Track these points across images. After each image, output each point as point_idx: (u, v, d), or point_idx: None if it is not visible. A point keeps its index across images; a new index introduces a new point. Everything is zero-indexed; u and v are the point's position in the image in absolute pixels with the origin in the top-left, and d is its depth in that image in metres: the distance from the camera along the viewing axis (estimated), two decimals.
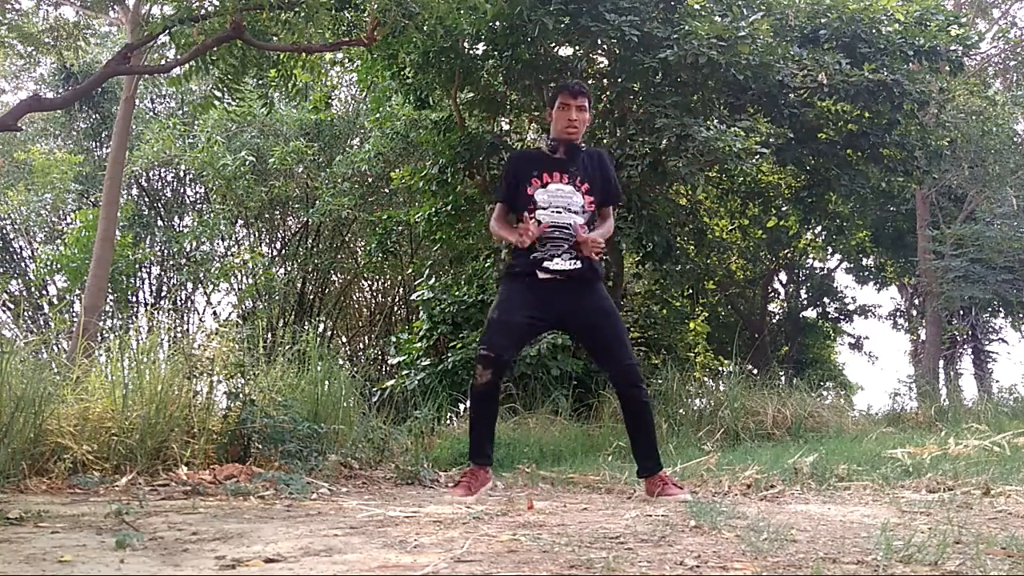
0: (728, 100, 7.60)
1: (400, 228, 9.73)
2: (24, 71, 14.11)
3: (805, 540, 1.94)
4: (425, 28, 5.46)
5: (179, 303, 13.43)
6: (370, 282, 14.14)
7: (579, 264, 3.08)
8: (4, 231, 13.58)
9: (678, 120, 6.66)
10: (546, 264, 3.07)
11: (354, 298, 14.38)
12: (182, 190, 14.41)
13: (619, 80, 7.46)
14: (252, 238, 13.93)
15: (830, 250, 15.54)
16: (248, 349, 4.33)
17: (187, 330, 11.04)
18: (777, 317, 16.49)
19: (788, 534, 1.97)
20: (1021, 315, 14.15)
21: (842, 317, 16.78)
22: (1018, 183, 12.03)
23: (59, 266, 11.00)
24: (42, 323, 12.55)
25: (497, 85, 7.77)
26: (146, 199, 14.10)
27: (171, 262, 13.31)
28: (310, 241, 12.93)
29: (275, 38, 4.97)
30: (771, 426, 6.10)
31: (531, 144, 8.58)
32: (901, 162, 8.15)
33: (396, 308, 13.58)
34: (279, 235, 13.95)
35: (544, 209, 3.10)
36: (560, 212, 3.10)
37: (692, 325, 12.72)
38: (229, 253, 13.40)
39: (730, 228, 12.22)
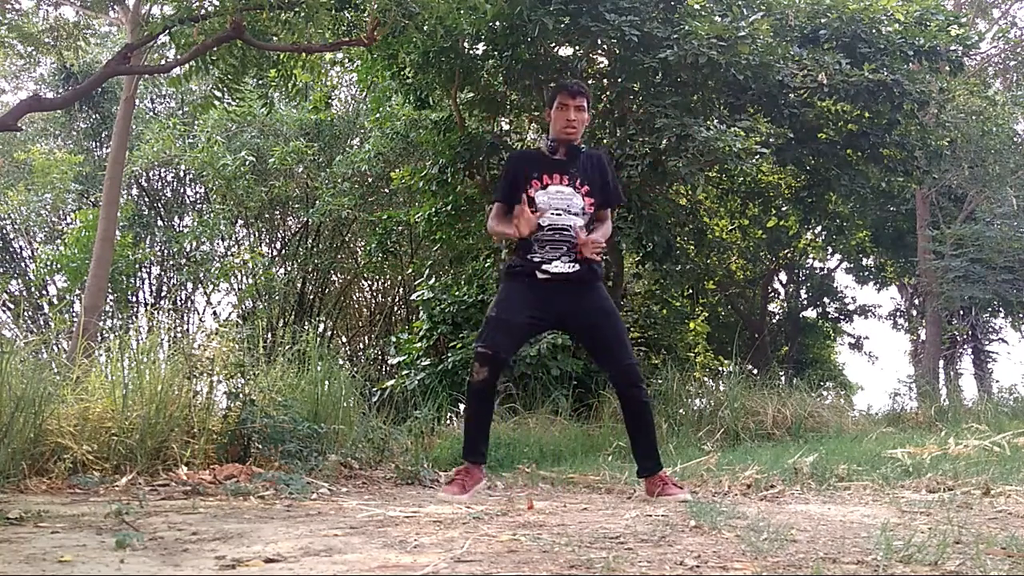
0: (728, 100, 7.60)
1: (400, 228, 9.73)
2: (24, 71, 14.11)
3: (805, 540, 1.94)
4: (425, 28, 5.46)
5: (179, 303, 13.43)
6: (370, 282, 14.14)
7: (578, 266, 3.08)
8: (4, 231, 13.59)
9: (678, 120, 6.66)
10: (545, 267, 3.07)
11: (354, 298, 14.38)
12: (182, 190, 14.41)
13: (619, 80, 7.46)
14: (252, 238, 13.93)
15: (830, 250, 15.54)
16: (248, 349, 4.32)
17: (187, 330, 11.04)
18: (777, 317, 16.49)
19: (788, 534, 1.97)
20: (1021, 315, 14.15)
21: (842, 317, 16.78)
22: (1018, 183, 12.03)
23: (59, 266, 11.00)
24: (42, 323, 12.55)
25: (497, 85, 7.77)
26: (146, 199, 14.10)
27: (171, 262, 13.31)
28: (310, 241, 12.93)
29: (275, 38, 4.97)
30: (771, 426, 6.10)
31: (531, 144, 8.58)
32: (901, 162, 8.15)
33: (396, 308, 13.58)
34: (279, 235, 13.95)
35: (544, 211, 3.10)
36: (560, 214, 3.10)
37: (692, 325, 12.72)
38: (229, 253, 13.40)
39: (730, 228, 12.22)
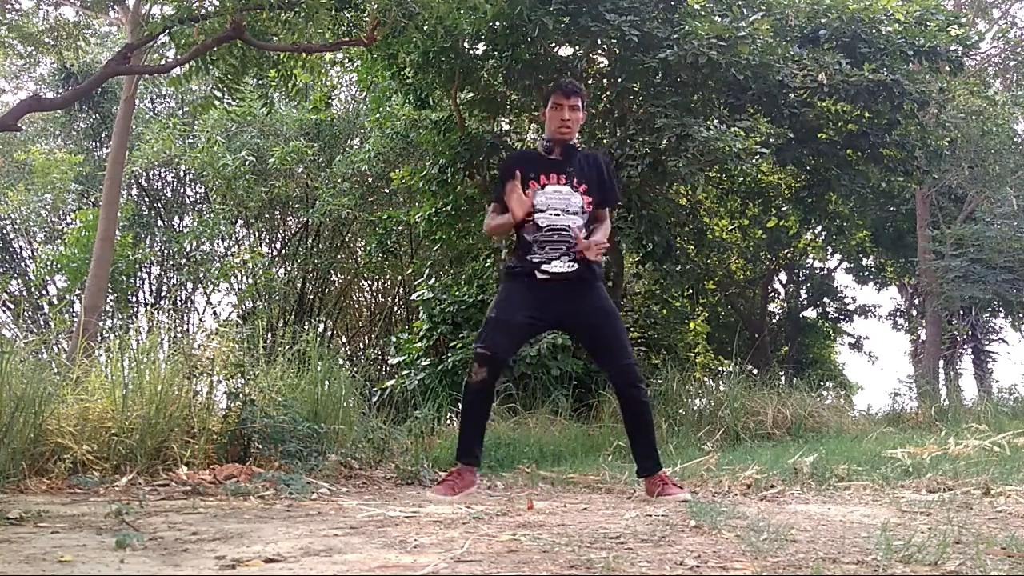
0: (728, 100, 7.60)
1: (400, 228, 9.73)
2: (24, 71, 14.11)
3: (805, 540, 1.94)
4: (425, 28, 5.46)
5: (179, 303, 13.43)
6: (370, 282, 14.13)
7: (577, 266, 3.07)
8: (4, 231, 13.58)
9: (678, 120, 6.66)
10: (544, 267, 3.06)
11: (354, 298, 14.38)
12: (182, 190, 14.41)
13: (619, 80, 7.46)
14: (252, 238, 13.93)
15: (830, 250, 15.54)
16: (248, 349, 4.32)
17: (187, 330, 11.04)
18: (777, 317, 16.49)
19: (788, 534, 1.97)
20: (1021, 315, 14.15)
21: (842, 317, 16.78)
22: (1018, 183, 12.03)
23: (59, 266, 11.00)
24: (42, 323, 12.54)
25: (497, 85, 7.77)
26: (146, 199, 14.10)
27: (171, 262, 13.31)
28: (310, 241, 12.93)
29: (275, 38, 4.96)
30: (771, 426, 6.10)
31: (531, 144, 8.58)
32: (901, 162, 8.15)
33: (396, 308, 13.58)
34: (279, 235, 13.95)
35: (542, 212, 3.10)
36: (558, 214, 3.09)
37: (692, 325, 12.71)
38: (229, 253, 13.40)
39: (730, 228, 12.21)
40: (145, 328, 4.09)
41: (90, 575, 1.48)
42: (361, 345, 14.11)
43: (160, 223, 13.54)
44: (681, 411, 6.38)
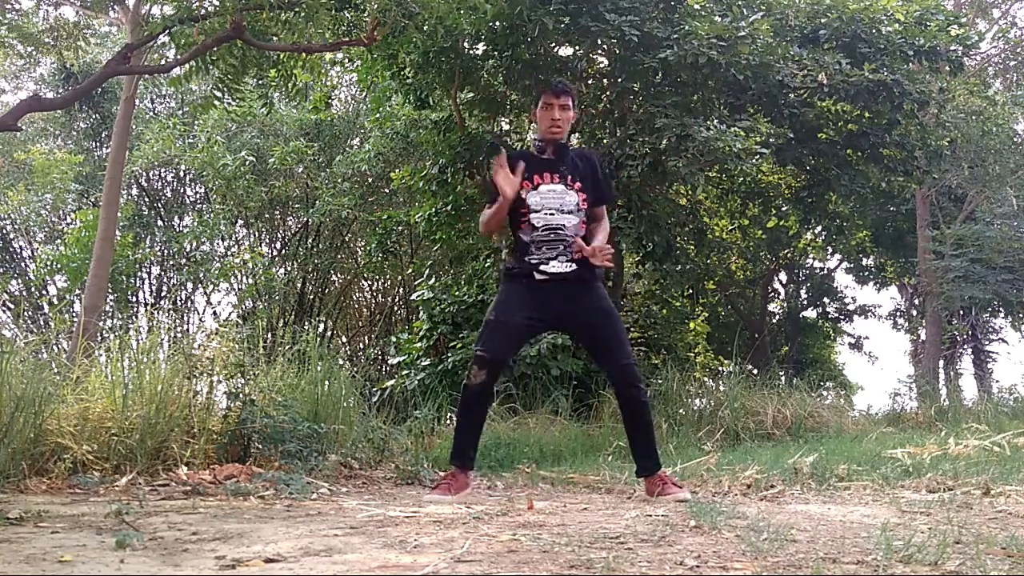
0: (728, 100, 7.60)
1: (400, 228, 9.72)
2: (24, 71, 14.11)
3: (805, 540, 1.94)
4: (425, 28, 5.46)
5: (179, 303, 13.43)
6: (370, 282, 14.13)
7: (575, 266, 3.07)
8: (4, 231, 13.58)
9: (678, 120, 6.66)
10: (543, 267, 3.06)
11: (354, 298, 14.38)
12: (182, 190, 14.41)
13: (619, 80, 7.46)
14: (252, 238, 13.93)
15: (830, 250, 15.54)
16: (248, 349, 4.33)
17: (187, 330, 11.04)
18: (777, 317, 16.49)
19: (788, 534, 1.97)
20: (1021, 315, 14.15)
21: (842, 317, 16.78)
22: (1018, 183, 12.03)
23: (59, 266, 11.00)
24: (42, 323, 12.54)
25: (497, 85, 7.78)
26: (146, 199, 14.10)
27: (171, 262, 13.31)
28: (310, 241, 12.93)
29: (275, 38, 4.96)
30: (771, 426, 6.11)
31: (530, 144, 8.57)
32: (901, 162, 8.15)
33: (396, 308, 13.58)
34: (279, 235, 13.95)
35: (537, 212, 3.09)
36: (553, 214, 3.09)
37: (692, 325, 12.71)
38: (229, 253, 13.40)
39: (730, 228, 12.21)
40: (145, 328, 4.09)
41: (90, 575, 1.48)
42: (361, 345, 14.11)
43: (160, 223, 13.54)
44: (681, 411, 6.38)
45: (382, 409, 5.26)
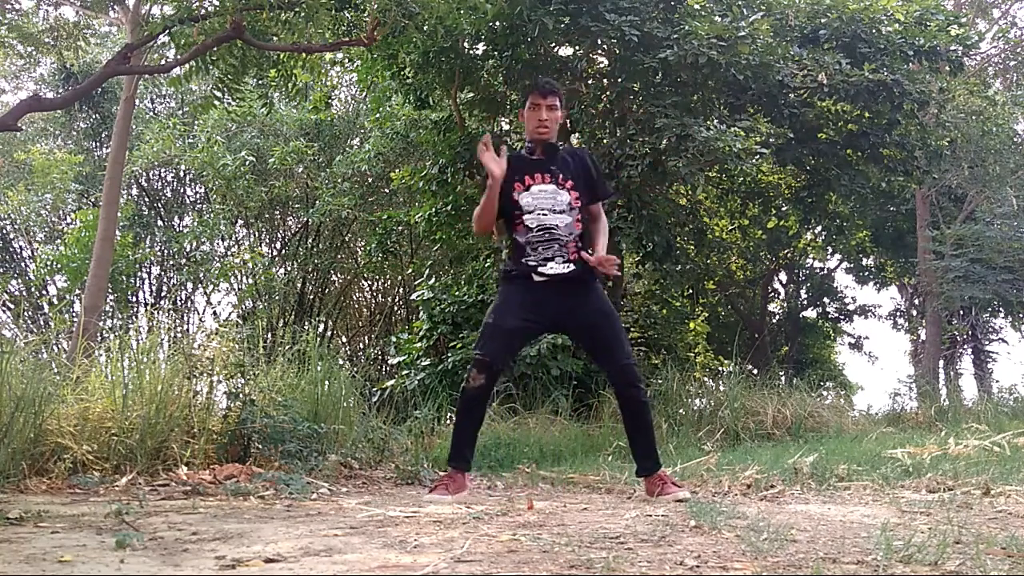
0: (728, 100, 7.61)
1: (400, 228, 9.73)
2: (24, 71, 14.11)
3: (805, 540, 1.94)
4: (425, 28, 5.47)
5: (179, 303, 13.43)
6: (370, 282, 14.13)
7: (573, 267, 3.06)
8: (4, 231, 13.58)
9: (678, 120, 6.66)
10: (541, 269, 3.05)
11: (354, 298, 14.38)
12: (182, 190, 14.41)
13: (619, 80, 7.46)
14: (252, 238, 13.93)
15: (830, 250, 15.55)
16: (248, 349, 4.33)
17: (187, 330, 11.04)
18: (777, 317, 16.49)
19: (788, 534, 1.97)
20: (1021, 315, 14.15)
21: (842, 317, 16.79)
22: (1018, 183, 12.03)
23: (59, 266, 11.00)
24: (42, 323, 12.54)
25: (497, 85, 7.78)
26: (146, 199, 14.10)
27: (171, 262, 13.31)
28: (310, 241, 12.93)
29: (275, 38, 4.97)
30: (771, 426, 6.11)
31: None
32: (901, 162, 8.15)
33: (396, 308, 13.58)
34: (279, 235, 13.95)
35: (530, 213, 3.09)
36: (546, 214, 3.08)
37: (692, 325, 12.71)
38: (229, 253, 13.40)
39: (730, 228, 12.21)
40: (145, 328, 4.09)
41: (90, 575, 1.48)
42: (361, 345, 14.11)
43: (160, 223, 13.54)
44: (681, 411, 6.38)
45: (382, 409, 5.26)
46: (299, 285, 12.78)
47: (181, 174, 13.78)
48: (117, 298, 11.96)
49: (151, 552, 1.68)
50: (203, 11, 4.62)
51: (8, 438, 2.69)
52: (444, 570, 1.54)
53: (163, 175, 14.14)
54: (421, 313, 8.56)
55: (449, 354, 7.38)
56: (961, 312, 14.03)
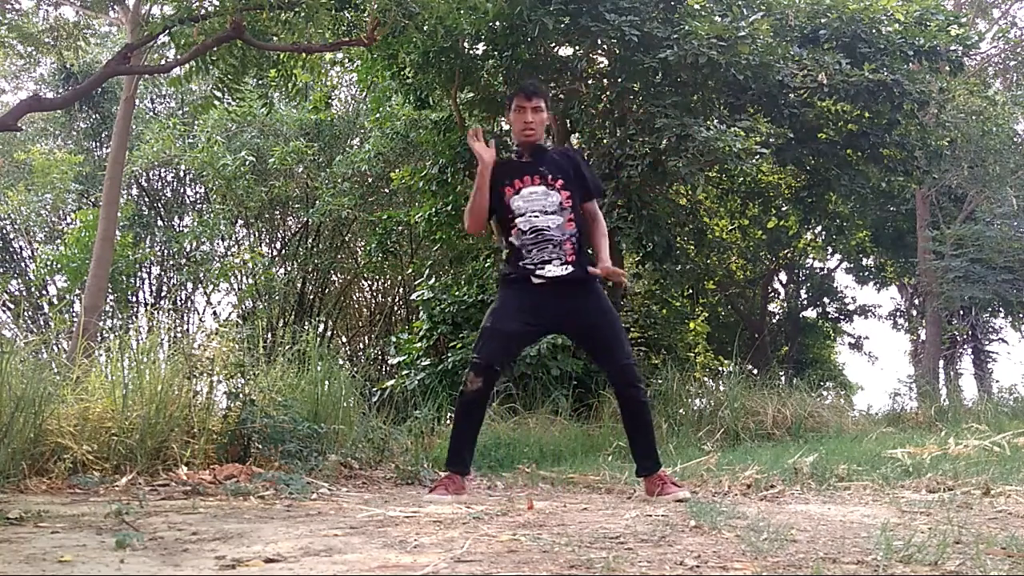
0: (728, 100, 7.61)
1: (400, 228, 9.73)
2: (24, 71, 14.11)
3: (805, 540, 1.94)
4: (425, 28, 5.47)
5: (179, 303, 13.43)
6: (370, 282, 14.14)
7: (571, 269, 3.06)
8: (4, 231, 13.59)
9: (678, 120, 6.66)
10: (539, 272, 3.05)
11: (354, 298, 14.38)
12: (182, 190, 14.41)
13: (619, 80, 7.46)
14: (252, 238, 13.93)
15: (830, 250, 15.55)
16: (248, 349, 4.32)
17: (187, 330, 11.04)
18: (777, 317, 16.49)
19: (788, 534, 1.97)
20: (1021, 315, 14.15)
21: (842, 317, 16.79)
22: (1018, 183, 12.03)
23: (59, 266, 11.00)
24: (42, 323, 12.54)
25: (497, 85, 7.78)
26: (146, 199, 14.10)
27: (171, 262, 13.31)
28: (310, 241, 12.93)
29: (275, 38, 4.97)
30: (771, 426, 6.10)
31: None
32: (901, 162, 8.15)
33: (396, 308, 13.58)
34: (279, 235, 13.95)
35: (522, 216, 3.10)
36: (537, 216, 3.08)
37: (692, 325, 12.71)
38: (229, 253, 13.40)
39: (730, 228, 12.22)
40: (145, 328, 4.09)
41: (90, 575, 1.48)
42: (361, 345, 14.11)
43: (160, 223, 13.54)
44: (681, 411, 6.38)
45: (382, 409, 5.26)
46: (299, 285, 12.79)
47: (181, 174, 13.79)
48: (117, 298, 11.96)
49: (151, 552, 1.68)
50: (203, 11, 4.62)
51: (8, 438, 2.69)
52: (444, 570, 1.54)
53: (163, 175, 14.14)
54: (421, 313, 8.56)
55: (449, 354, 7.38)
56: (961, 312, 14.04)
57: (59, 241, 12.37)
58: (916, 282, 14.17)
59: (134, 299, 13.04)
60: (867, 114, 7.74)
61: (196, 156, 11.16)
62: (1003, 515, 2.36)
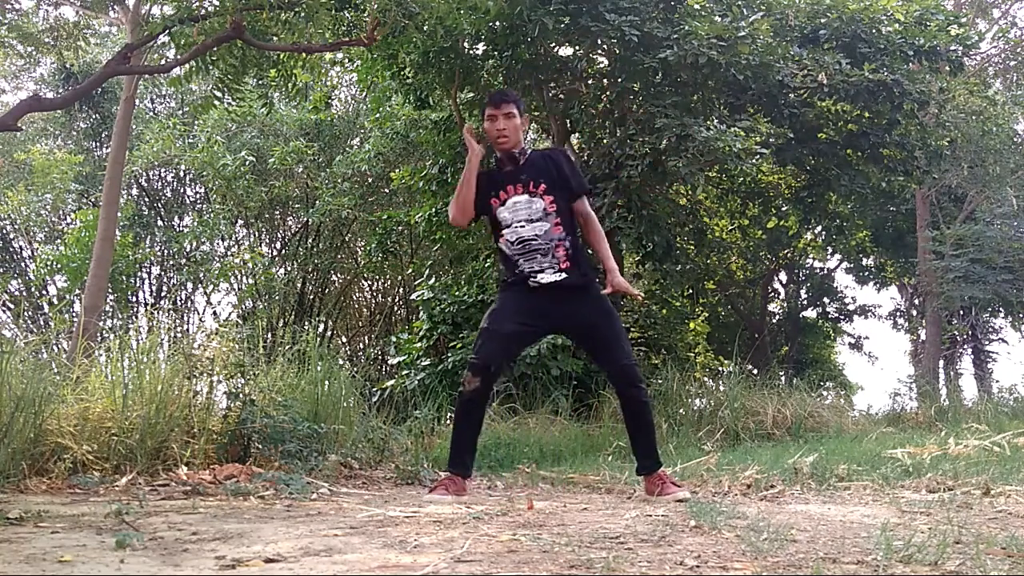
0: (728, 100, 7.61)
1: (400, 228, 9.73)
2: (24, 71, 14.12)
3: (805, 540, 1.94)
4: (425, 28, 5.47)
5: (179, 303, 13.43)
6: (370, 282, 14.14)
7: (566, 275, 3.05)
8: (4, 231, 13.58)
9: (678, 120, 6.66)
10: (535, 278, 3.05)
11: (354, 298, 14.38)
12: (182, 190, 14.42)
13: (619, 80, 7.46)
14: (252, 238, 13.93)
15: (830, 250, 15.55)
16: (248, 349, 4.33)
17: (187, 330, 11.04)
18: (777, 317, 16.50)
19: (788, 534, 1.97)
20: (1021, 315, 14.16)
21: (842, 317, 16.79)
22: (1018, 183, 12.04)
23: (59, 266, 11.00)
24: (42, 323, 12.54)
25: (497, 85, 7.77)
26: (146, 199, 14.10)
27: (171, 262, 13.31)
28: (310, 241, 12.93)
29: (275, 38, 4.96)
30: (771, 426, 6.11)
31: (534, 144, 8.58)
32: (901, 162, 8.16)
33: (396, 308, 13.58)
34: (279, 235, 13.95)
35: (508, 227, 3.10)
36: (523, 225, 3.08)
37: (692, 325, 12.72)
38: (229, 253, 13.40)
39: (730, 228, 12.22)
40: (145, 328, 4.09)
41: (90, 575, 1.48)
42: (361, 345, 14.11)
43: (160, 223, 13.54)
44: (681, 411, 6.38)
45: (382, 409, 5.26)
46: (299, 285, 12.79)
47: (181, 174, 13.79)
48: (117, 298, 11.96)
49: (151, 552, 1.68)
50: (203, 11, 4.62)
51: (8, 438, 2.69)
52: (444, 570, 1.54)
53: (163, 175, 14.14)
54: (421, 313, 8.56)
55: (449, 354, 7.38)
56: (961, 312, 14.04)
57: (59, 241, 12.37)
58: (916, 282, 14.18)
59: (134, 299, 13.04)
60: (867, 114, 7.75)
61: (196, 156, 11.16)
62: (1003, 515, 2.36)
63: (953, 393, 9.42)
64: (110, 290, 10.62)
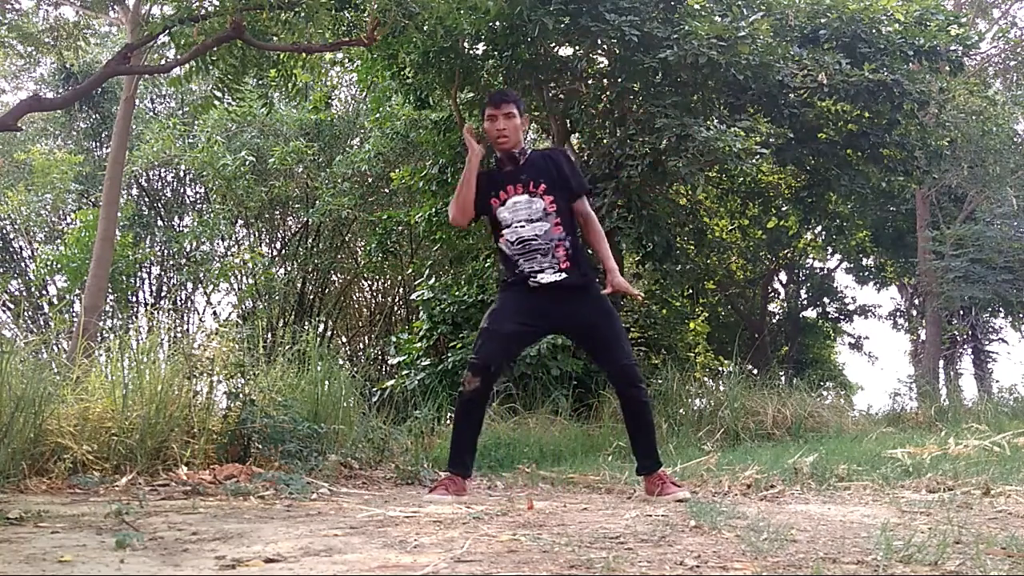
0: (728, 100, 7.61)
1: (400, 228, 9.73)
2: (24, 71, 14.12)
3: (805, 540, 1.94)
4: (425, 28, 5.47)
5: (179, 303, 13.43)
6: (370, 282, 14.14)
7: (566, 275, 3.05)
8: (4, 231, 13.58)
9: (678, 120, 6.66)
10: (535, 278, 3.05)
11: (354, 298, 14.38)
12: (182, 190, 14.42)
13: (619, 80, 7.46)
14: (252, 238, 13.93)
15: (830, 250, 15.56)
16: (248, 349, 4.33)
17: (187, 330, 11.04)
18: (777, 317, 16.50)
19: (788, 534, 1.97)
20: (1021, 315, 14.16)
21: (842, 317, 16.79)
22: (1018, 183, 12.04)
23: (59, 266, 11.00)
24: (42, 323, 12.54)
25: (497, 85, 7.78)
26: (146, 199, 14.10)
27: (171, 262, 13.31)
28: (310, 241, 12.93)
29: (275, 38, 4.96)
30: (771, 426, 6.11)
31: (535, 144, 8.58)
32: (901, 162, 8.16)
33: (396, 308, 13.58)
34: (279, 235, 13.95)
35: (508, 227, 3.10)
36: (523, 225, 3.08)
37: (692, 325, 12.72)
38: (229, 253, 13.41)
39: (730, 228, 12.22)
40: (145, 328, 4.09)
41: (90, 575, 1.48)
42: (361, 345, 14.11)
43: (160, 223, 13.54)
44: (681, 411, 6.38)
45: (382, 409, 5.26)
46: (299, 285, 12.79)
47: (181, 174, 13.79)
48: (117, 298, 11.96)
49: (151, 552, 1.68)
50: (203, 11, 4.62)
51: (8, 438, 2.69)
52: (444, 570, 1.54)
53: (163, 175, 14.14)
54: (421, 313, 8.56)
55: (449, 354, 7.38)
56: (961, 312, 14.04)
57: (59, 241, 12.37)
58: (916, 282, 14.18)
59: (134, 299, 13.04)
60: (867, 114, 7.75)
61: (196, 156, 11.16)
62: (1003, 515, 2.36)
63: (953, 393, 9.43)
64: (110, 290, 10.62)
